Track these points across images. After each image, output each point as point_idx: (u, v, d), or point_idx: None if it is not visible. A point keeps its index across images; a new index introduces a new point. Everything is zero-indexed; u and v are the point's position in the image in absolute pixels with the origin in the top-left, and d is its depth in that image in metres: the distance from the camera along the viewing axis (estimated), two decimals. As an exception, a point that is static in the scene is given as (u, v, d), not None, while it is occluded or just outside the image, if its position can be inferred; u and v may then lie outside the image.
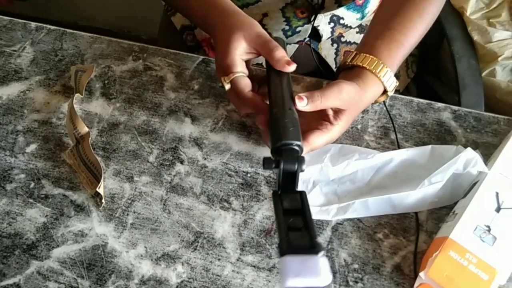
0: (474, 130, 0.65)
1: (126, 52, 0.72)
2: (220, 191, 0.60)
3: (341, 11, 0.75)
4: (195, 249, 0.56)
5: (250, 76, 0.59)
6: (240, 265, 0.56)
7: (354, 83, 0.57)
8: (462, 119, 0.66)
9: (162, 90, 0.68)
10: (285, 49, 0.61)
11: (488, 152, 0.62)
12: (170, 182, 0.61)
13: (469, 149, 0.58)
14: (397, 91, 0.62)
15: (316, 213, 0.58)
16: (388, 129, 0.65)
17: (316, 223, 0.58)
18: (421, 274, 0.51)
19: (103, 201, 0.58)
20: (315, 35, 0.77)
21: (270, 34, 0.76)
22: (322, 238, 0.57)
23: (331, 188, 0.59)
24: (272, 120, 0.52)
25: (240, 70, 0.58)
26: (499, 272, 0.51)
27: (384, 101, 0.64)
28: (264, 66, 0.61)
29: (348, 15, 0.76)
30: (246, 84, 0.58)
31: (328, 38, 0.79)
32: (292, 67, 0.57)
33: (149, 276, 0.55)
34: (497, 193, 0.55)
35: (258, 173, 0.61)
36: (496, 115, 0.66)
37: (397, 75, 0.62)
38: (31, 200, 0.59)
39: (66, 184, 0.61)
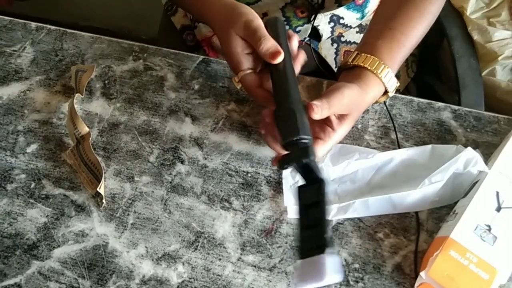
0: (474, 130, 0.65)
1: (126, 52, 0.72)
2: (221, 191, 0.60)
3: (341, 11, 0.75)
4: (196, 249, 0.56)
5: (262, 68, 0.59)
6: (240, 265, 0.56)
7: (355, 84, 0.57)
8: (462, 119, 0.66)
9: (162, 90, 0.68)
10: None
11: (488, 151, 0.62)
12: (170, 182, 0.61)
13: (469, 148, 0.58)
14: (397, 90, 0.62)
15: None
16: (389, 129, 0.65)
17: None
18: (422, 273, 0.51)
19: (103, 201, 0.58)
20: (315, 34, 0.77)
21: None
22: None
23: (331, 188, 0.59)
24: (281, 115, 0.53)
25: (247, 66, 0.58)
26: (500, 271, 0.51)
27: (384, 101, 0.64)
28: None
29: (348, 15, 0.76)
30: (252, 81, 0.58)
31: (328, 37, 0.79)
32: (279, 59, 0.55)
33: (150, 276, 0.55)
34: (497, 193, 0.55)
35: (259, 173, 0.61)
36: (496, 115, 0.66)
37: (397, 75, 0.62)
38: (31, 200, 0.59)
39: (67, 184, 0.61)
